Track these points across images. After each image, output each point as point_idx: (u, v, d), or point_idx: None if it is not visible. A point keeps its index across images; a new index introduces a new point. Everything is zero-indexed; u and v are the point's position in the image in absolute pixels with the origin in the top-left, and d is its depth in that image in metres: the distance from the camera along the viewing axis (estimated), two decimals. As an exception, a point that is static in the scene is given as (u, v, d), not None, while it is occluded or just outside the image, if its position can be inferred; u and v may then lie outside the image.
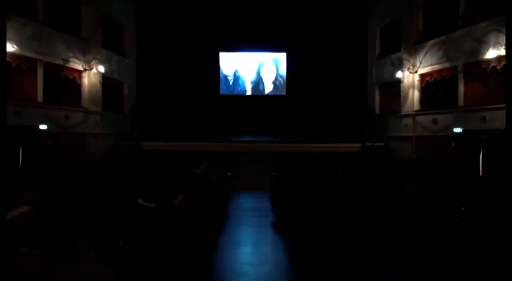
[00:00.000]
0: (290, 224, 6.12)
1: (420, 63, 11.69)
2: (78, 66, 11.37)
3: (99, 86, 12.22)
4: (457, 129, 10.10)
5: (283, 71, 16.30)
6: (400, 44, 12.69)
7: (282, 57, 16.34)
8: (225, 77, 16.35)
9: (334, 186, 6.35)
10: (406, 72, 12.06)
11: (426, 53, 11.45)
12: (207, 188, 6.23)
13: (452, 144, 10.35)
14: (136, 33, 14.72)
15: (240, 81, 16.33)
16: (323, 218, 5.50)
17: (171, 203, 3.33)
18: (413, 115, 12.03)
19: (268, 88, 16.39)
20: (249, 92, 16.39)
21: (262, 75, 16.31)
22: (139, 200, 3.02)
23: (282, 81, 16.31)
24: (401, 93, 12.60)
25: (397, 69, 12.65)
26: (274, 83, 16.36)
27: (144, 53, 14.84)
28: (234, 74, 16.30)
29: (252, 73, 16.33)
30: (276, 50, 16.28)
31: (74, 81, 11.31)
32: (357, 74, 15.08)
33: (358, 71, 15.08)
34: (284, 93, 16.35)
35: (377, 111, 14.52)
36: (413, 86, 12.07)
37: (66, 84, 11.11)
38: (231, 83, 16.39)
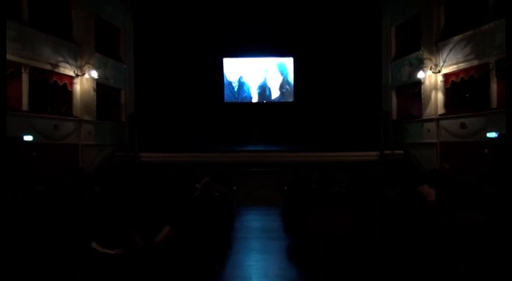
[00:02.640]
0: (311, 252, 5.02)
1: (444, 62, 10.60)
2: (69, 71, 10.43)
3: (92, 93, 11.27)
4: (491, 134, 8.96)
5: (290, 77, 15.29)
6: (420, 43, 11.62)
7: (288, 62, 15.35)
8: (230, 83, 15.39)
9: (364, 202, 5.25)
10: (428, 73, 10.97)
11: (450, 50, 10.36)
12: (207, 209, 5.17)
13: (486, 150, 9.20)
14: (134, 37, 13.80)
15: (245, 88, 15.36)
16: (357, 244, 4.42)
17: (147, 244, 2.26)
18: (437, 119, 10.90)
19: (275, 94, 15.39)
20: (255, 99, 15.39)
21: (268, 81, 15.33)
22: (94, 244, 1.98)
23: (289, 88, 15.32)
24: (423, 96, 11.49)
25: (417, 70, 11.57)
26: (280, 89, 15.36)
27: (142, 59, 13.90)
28: (239, 80, 15.33)
29: (257, 79, 15.36)
30: (282, 55, 15.33)
31: (64, 87, 10.37)
32: (370, 76, 14.00)
33: (372, 73, 13.99)
34: (291, 100, 15.32)
35: (394, 116, 13.40)
36: (436, 88, 10.96)
37: (55, 91, 10.17)
38: (235, 90, 15.41)
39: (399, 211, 5.28)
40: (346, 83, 14.28)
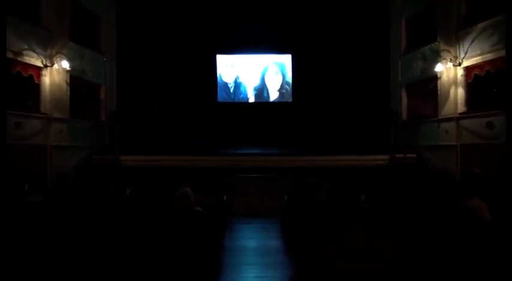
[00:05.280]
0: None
1: (465, 53, 9.32)
2: (36, 61, 9.04)
3: (65, 87, 9.90)
4: (526, 135, 7.65)
5: (289, 77, 14.01)
6: (435, 33, 10.36)
7: (288, 61, 14.05)
8: (225, 84, 14.06)
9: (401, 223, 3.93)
10: (448, 65, 9.68)
11: (473, 40, 9.09)
12: (184, 229, 3.82)
13: (518, 154, 7.89)
14: (117, 28, 12.41)
15: (242, 88, 14.04)
16: None
17: None
18: (457, 118, 9.61)
19: (274, 95, 14.09)
20: (251, 99, 14.08)
21: (267, 82, 14.04)
22: None
23: (288, 89, 14.03)
24: (439, 93, 10.21)
25: (432, 64, 10.31)
26: (280, 91, 14.06)
27: (126, 52, 12.48)
28: (235, 80, 14.02)
29: (254, 79, 14.05)
30: (280, 51, 14.03)
31: (29, 79, 8.96)
32: (377, 73, 12.71)
33: (378, 70, 12.70)
34: (290, 100, 14.00)
35: (404, 116, 12.10)
36: (455, 83, 9.68)
37: (18, 84, 8.74)
38: (231, 91, 14.08)
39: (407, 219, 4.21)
40: (350, 81, 13.02)
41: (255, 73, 14.05)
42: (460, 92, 9.60)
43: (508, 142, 7.00)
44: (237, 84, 14.10)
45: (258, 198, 9.52)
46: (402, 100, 12.13)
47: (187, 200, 3.92)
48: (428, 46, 10.65)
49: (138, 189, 5.21)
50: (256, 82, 14.08)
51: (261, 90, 14.11)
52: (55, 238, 3.63)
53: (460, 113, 9.56)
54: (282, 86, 14.06)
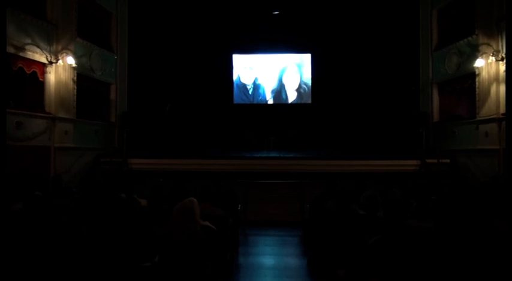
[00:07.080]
0: None
1: (509, 46, 8.33)
2: (40, 57, 8.47)
3: (72, 85, 9.31)
4: None
5: (305, 76, 13.19)
6: (473, 25, 9.38)
7: (305, 59, 13.25)
8: (244, 85, 13.35)
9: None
10: (489, 60, 8.68)
11: (519, 30, 8.09)
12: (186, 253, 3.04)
13: None
14: (129, 25, 11.85)
15: (261, 90, 13.32)
16: None
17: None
18: (499, 119, 8.59)
19: (292, 96, 13.29)
20: (270, 101, 13.33)
21: (285, 82, 13.26)
22: None
23: (306, 89, 13.22)
24: (477, 91, 9.21)
25: (469, 59, 9.35)
26: (298, 91, 13.26)
27: (138, 50, 11.93)
28: (254, 82, 13.30)
29: (273, 80, 13.30)
30: (298, 51, 13.23)
31: (33, 76, 8.40)
32: (405, 71, 11.78)
33: (406, 67, 11.77)
34: (309, 102, 13.17)
35: (435, 117, 11.13)
36: (497, 79, 8.67)
37: (21, 81, 8.19)
38: (250, 92, 13.36)
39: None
40: (375, 80, 12.18)
41: (273, 74, 13.34)
42: (503, 90, 8.56)
43: (508, 142, 6.31)
44: (256, 86, 13.41)
45: (275, 206, 8.72)
46: (433, 100, 11.17)
47: (190, 213, 3.15)
48: (465, 40, 9.67)
49: (135, 197, 4.49)
50: (274, 83, 13.35)
51: (279, 91, 13.37)
52: (53, 239, 3.40)
53: (503, 114, 8.53)
54: (299, 86, 13.27)
